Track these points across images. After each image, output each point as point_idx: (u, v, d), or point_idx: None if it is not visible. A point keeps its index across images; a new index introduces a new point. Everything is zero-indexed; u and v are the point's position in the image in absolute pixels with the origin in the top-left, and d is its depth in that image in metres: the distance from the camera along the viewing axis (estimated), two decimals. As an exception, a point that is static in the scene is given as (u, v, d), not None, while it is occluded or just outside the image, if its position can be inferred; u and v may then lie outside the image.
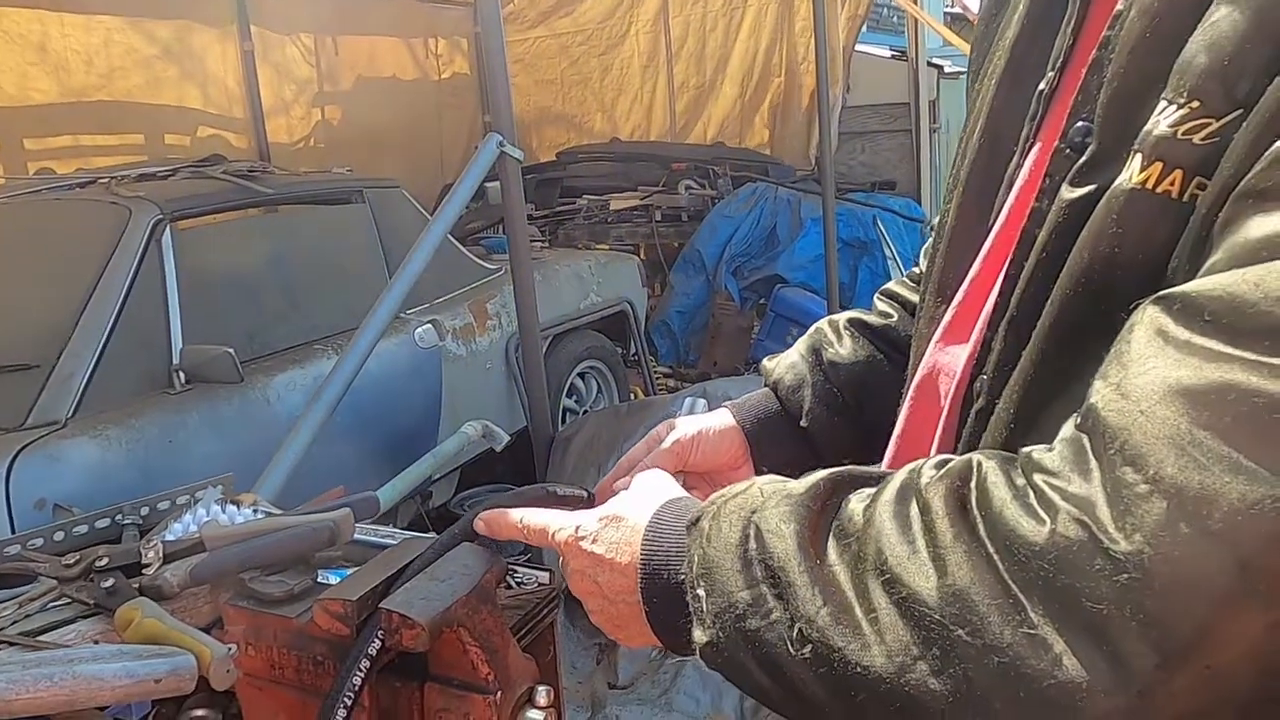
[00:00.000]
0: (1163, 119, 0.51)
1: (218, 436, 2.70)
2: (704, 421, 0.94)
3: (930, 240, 0.98)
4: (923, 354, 0.75)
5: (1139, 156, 0.52)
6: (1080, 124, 0.58)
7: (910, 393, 0.76)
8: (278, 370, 2.95)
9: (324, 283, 3.35)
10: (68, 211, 3.01)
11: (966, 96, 0.83)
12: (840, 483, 0.59)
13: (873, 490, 0.57)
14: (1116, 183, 0.53)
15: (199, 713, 0.97)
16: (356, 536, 1.10)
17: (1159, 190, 0.51)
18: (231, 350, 2.62)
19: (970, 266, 0.70)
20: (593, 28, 7.72)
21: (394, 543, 1.11)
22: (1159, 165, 0.51)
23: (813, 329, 1.01)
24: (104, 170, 3.41)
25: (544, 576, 1.22)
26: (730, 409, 0.96)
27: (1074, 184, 0.57)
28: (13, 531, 2.17)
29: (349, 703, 0.85)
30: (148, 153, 5.15)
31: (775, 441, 0.93)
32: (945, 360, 0.71)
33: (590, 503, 1.29)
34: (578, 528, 0.75)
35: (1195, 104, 0.50)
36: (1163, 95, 0.52)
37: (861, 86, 7.03)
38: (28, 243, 2.94)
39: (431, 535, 1.13)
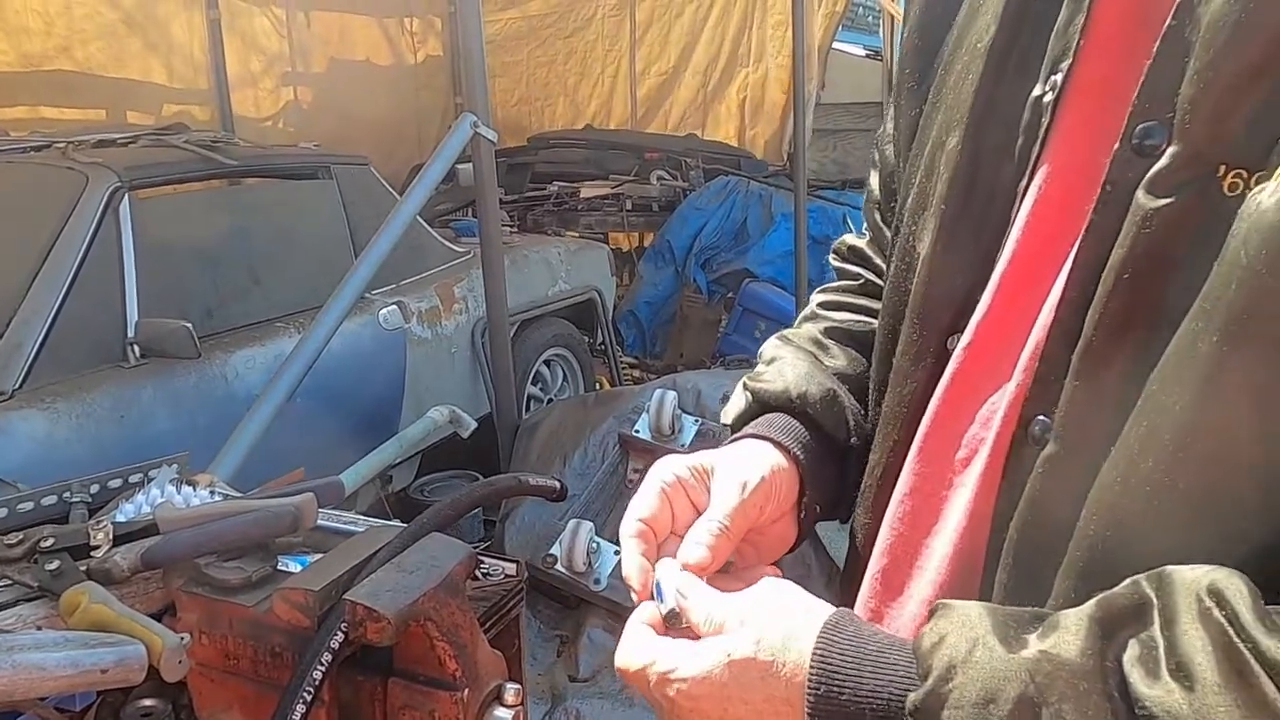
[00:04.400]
0: None
1: (172, 413, 2.63)
2: (761, 460, 0.70)
3: (872, 248, 0.87)
4: (921, 395, 0.65)
5: None
6: (1145, 125, 0.51)
7: (919, 441, 0.65)
8: (237, 347, 2.88)
9: (287, 259, 3.27)
10: (21, 175, 2.90)
11: (896, 111, 0.77)
12: (1109, 626, 0.46)
13: (1156, 648, 0.44)
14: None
15: (147, 703, 0.92)
16: (319, 522, 1.06)
17: None
18: (189, 325, 2.54)
19: (976, 295, 0.62)
20: (562, 9, 7.68)
21: (358, 530, 1.07)
22: None
23: (779, 342, 0.85)
24: (60, 134, 3.30)
25: (510, 568, 1.19)
26: (771, 439, 0.73)
27: (1154, 192, 0.50)
28: (-47, 505, 2.09)
29: (309, 697, 0.81)
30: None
31: (820, 473, 0.74)
32: (969, 403, 0.62)
33: (561, 494, 1.26)
34: (703, 678, 0.55)
35: None
36: None
37: (835, 85, 7.05)
38: (-22, 206, 2.83)
39: (397, 523, 1.10)
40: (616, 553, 2.50)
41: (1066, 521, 0.53)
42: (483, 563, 1.14)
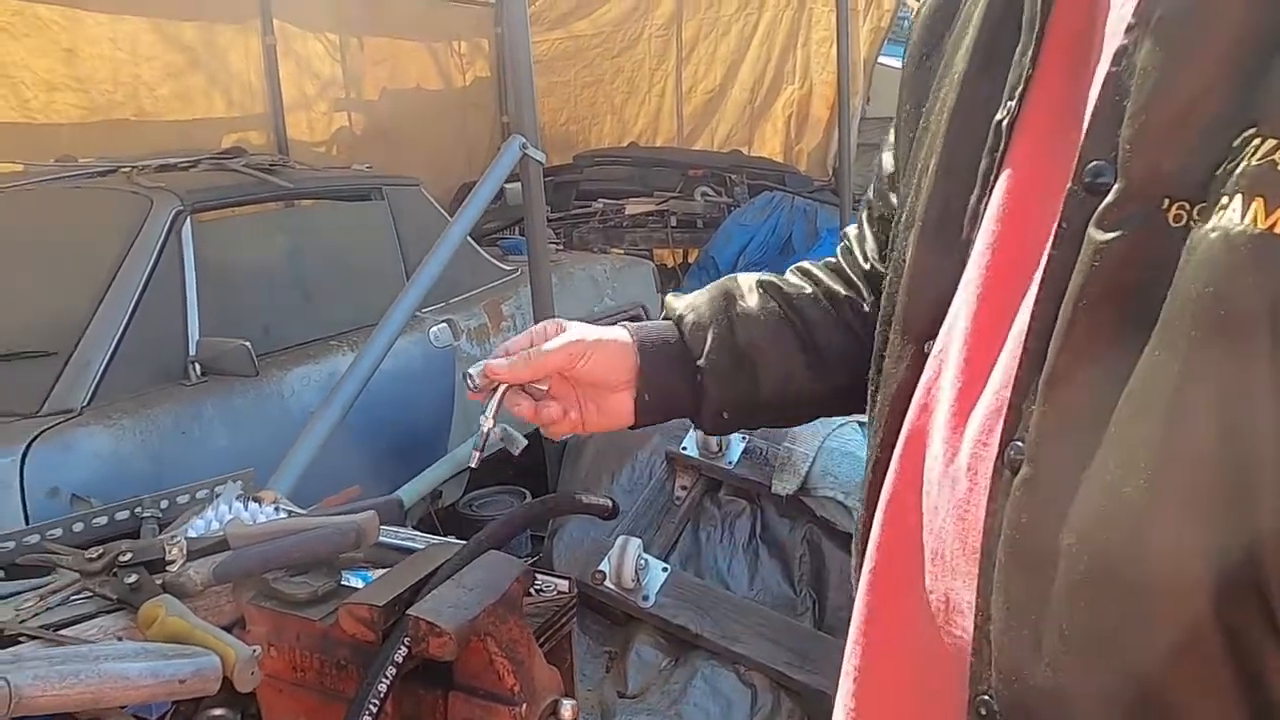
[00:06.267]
0: (1279, 158, 0.49)
1: (231, 430, 2.70)
2: (604, 333, 0.92)
3: (883, 269, 0.95)
4: (902, 395, 0.71)
5: (1260, 200, 0.49)
6: (1094, 164, 0.55)
7: (901, 443, 0.70)
8: (293, 365, 2.94)
9: (341, 279, 3.34)
10: (89, 200, 3.01)
11: (895, 136, 0.83)
12: None
13: None
14: (1235, 227, 0.50)
15: (218, 712, 0.96)
16: (379, 539, 1.09)
17: None
18: (248, 343, 2.61)
19: (944, 307, 0.67)
20: (609, 29, 7.75)
21: (417, 546, 1.10)
22: None
23: (724, 280, 0.98)
24: (125, 159, 3.41)
25: (563, 584, 1.22)
26: (628, 328, 0.94)
27: (1103, 226, 0.54)
28: (26, 519, 2.17)
29: (374, 710, 0.84)
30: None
31: (664, 373, 0.92)
32: (940, 408, 0.66)
33: (614, 513, 1.28)
34: None
35: None
36: (1270, 132, 0.49)
37: (881, 98, 7.01)
38: (48, 229, 2.93)
39: (455, 540, 1.12)
40: (664, 569, 2.51)
41: (1049, 543, 0.56)
42: (536, 579, 1.16)
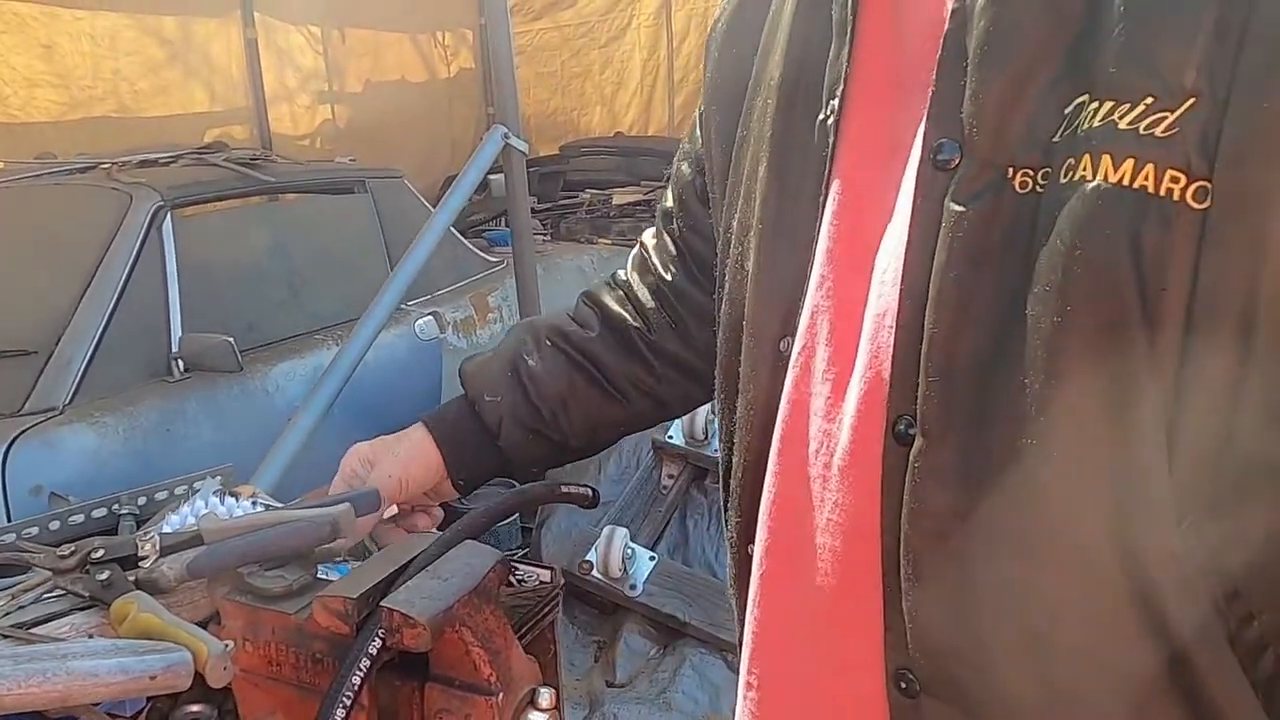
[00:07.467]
0: (1118, 118, 0.52)
1: (216, 426, 2.69)
2: (406, 450, 1.02)
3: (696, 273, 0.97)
4: (765, 399, 0.71)
5: (1108, 156, 0.52)
6: (940, 142, 0.58)
7: (777, 444, 0.70)
8: (277, 360, 2.93)
9: (325, 272, 3.33)
10: (68, 197, 2.99)
11: (706, 143, 0.84)
12: None
13: None
14: (1090, 184, 0.53)
15: (194, 709, 0.95)
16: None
17: (1136, 186, 0.51)
18: (231, 339, 2.60)
19: (796, 305, 0.68)
20: (595, 19, 7.72)
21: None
22: (1131, 161, 0.52)
23: (515, 332, 1.03)
24: (105, 156, 3.39)
25: (544, 574, 1.21)
26: (427, 424, 1.02)
27: (958, 200, 0.57)
28: (8, 518, 2.16)
29: (348, 702, 0.83)
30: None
31: (470, 458, 1.02)
32: (812, 401, 0.67)
33: (594, 501, 1.28)
34: None
35: (1149, 100, 0.51)
36: (1105, 95, 0.53)
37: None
38: (27, 227, 2.91)
39: (434, 531, 1.12)
40: (651, 558, 2.52)
41: (954, 509, 0.58)
42: (517, 570, 1.15)
